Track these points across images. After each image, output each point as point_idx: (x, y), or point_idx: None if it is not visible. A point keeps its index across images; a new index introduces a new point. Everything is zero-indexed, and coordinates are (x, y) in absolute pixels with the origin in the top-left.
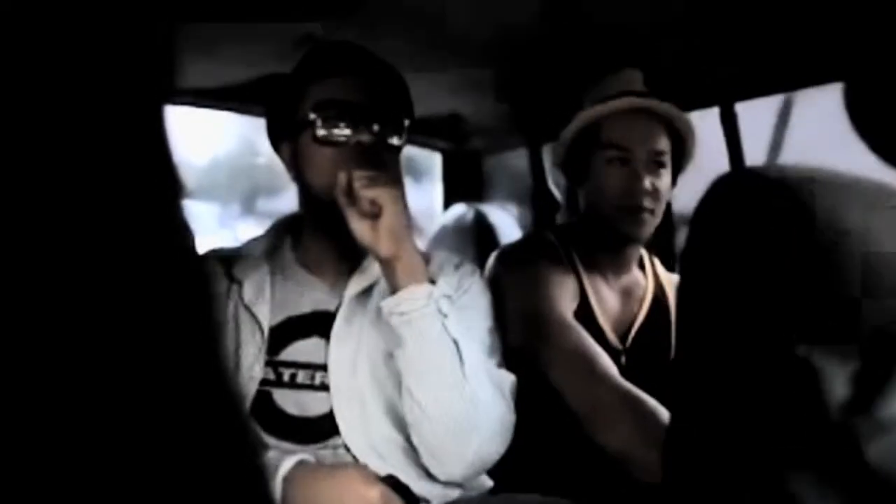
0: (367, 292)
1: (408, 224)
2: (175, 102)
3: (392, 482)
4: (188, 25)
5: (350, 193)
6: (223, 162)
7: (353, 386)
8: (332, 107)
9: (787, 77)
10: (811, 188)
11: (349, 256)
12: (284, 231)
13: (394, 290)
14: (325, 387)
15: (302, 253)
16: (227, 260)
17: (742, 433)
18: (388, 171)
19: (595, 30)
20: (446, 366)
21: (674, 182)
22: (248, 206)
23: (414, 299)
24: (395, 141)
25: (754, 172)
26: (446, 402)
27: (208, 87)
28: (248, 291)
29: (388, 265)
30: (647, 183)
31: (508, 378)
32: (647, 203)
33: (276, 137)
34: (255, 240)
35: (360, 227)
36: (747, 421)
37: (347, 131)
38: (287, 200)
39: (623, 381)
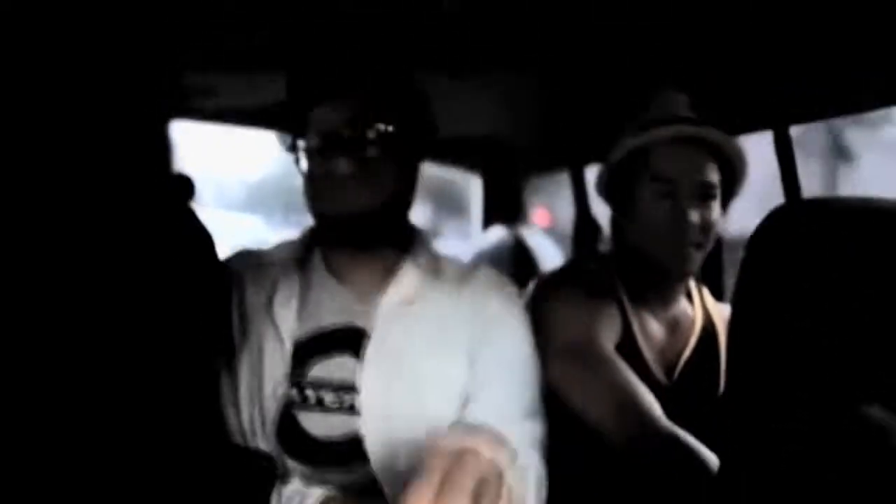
0: (402, 305)
1: None
2: (226, 121)
3: None
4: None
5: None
6: (269, 178)
7: (384, 409)
8: (321, 137)
9: (843, 100)
10: (879, 221)
11: (380, 266)
12: (313, 241)
13: None
14: (353, 409)
15: (331, 262)
16: (259, 264)
17: (796, 486)
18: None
19: (641, 49)
20: None
21: (724, 209)
22: (289, 219)
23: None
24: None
25: (816, 203)
26: None
27: (258, 106)
28: (278, 301)
29: None
30: (695, 217)
31: (540, 432)
32: (695, 238)
33: (293, 154)
34: (287, 245)
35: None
36: (802, 473)
37: (335, 159)
38: None
39: (668, 424)
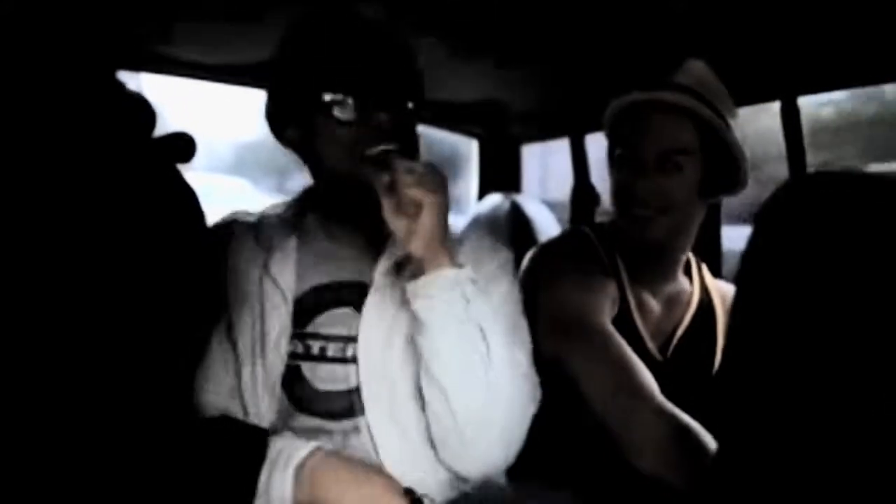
0: (400, 267)
1: (445, 226)
2: (213, 79)
3: (411, 497)
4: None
5: (392, 184)
6: (258, 139)
7: (385, 362)
8: (349, 87)
9: (853, 71)
10: (886, 194)
11: (378, 229)
12: (310, 201)
13: (419, 275)
14: (355, 359)
15: (326, 225)
16: (254, 225)
17: (801, 471)
18: (433, 167)
19: (644, 16)
20: (470, 351)
21: (712, 181)
22: (280, 183)
23: (438, 283)
24: (411, 116)
25: (823, 177)
26: (470, 388)
27: (245, 63)
28: (275, 260)
29: (416, 260)
30: (650, 184)
31: (532, 376)
32: (655, 205)
33: (280, 121)
34: (282, 206)
35: (395, 222)
36: (800, 453)
37: (366, 111)
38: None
39: (664, 402)
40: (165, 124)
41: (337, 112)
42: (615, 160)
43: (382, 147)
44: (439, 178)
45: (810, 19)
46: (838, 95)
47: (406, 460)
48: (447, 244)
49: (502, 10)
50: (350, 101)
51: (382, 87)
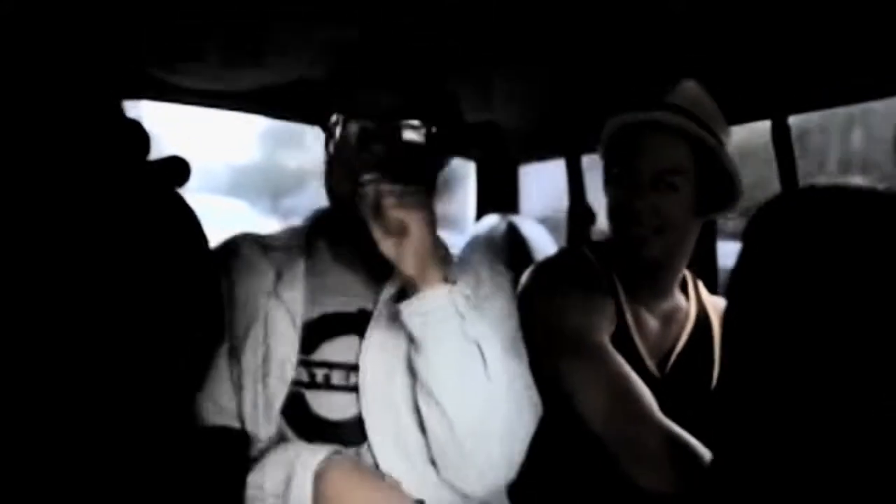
0: (402, 294)
1: (433, 244)
2: (207, 105)
3: None
4: (229, 31)
5: (377, 208)
6: (253, 162)
7: (387, 390)
8: (361, 113)
9: (844, 90)
10: (875, 208)
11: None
12: (320, 226)
13: (413, 294)
14: (358, 388)
15: (335, 249)
16: (263, 247)
17: (790, 479)
18: (417, 185)
19: (639, 38)
20: (467, 368)
21: (707, 200)
22: (274, 205)
23: (430, 300)
24: (421, 140)
25: (812, 192)
26: (467, 403)
27: (243, 90)
28: (284, 284)
29: (409, 280)
30: (644, 203)
31: (532, 390)
32: (651, 224)
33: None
34: (292, 230)
35: (384, 244)
36: (797, 467)
37: (375, 139)
38: (309, 199)
39: (663, 419)
40: (163, 149)
41: (340, 132)
42: (611, 180)
43: (368, 177)
44: (422, 197)
45: (799, 39)
46: None
47: (411, 486)
48: (438, 262)
49: (498, 31)
50: (352, 126)
51: (384, 115)
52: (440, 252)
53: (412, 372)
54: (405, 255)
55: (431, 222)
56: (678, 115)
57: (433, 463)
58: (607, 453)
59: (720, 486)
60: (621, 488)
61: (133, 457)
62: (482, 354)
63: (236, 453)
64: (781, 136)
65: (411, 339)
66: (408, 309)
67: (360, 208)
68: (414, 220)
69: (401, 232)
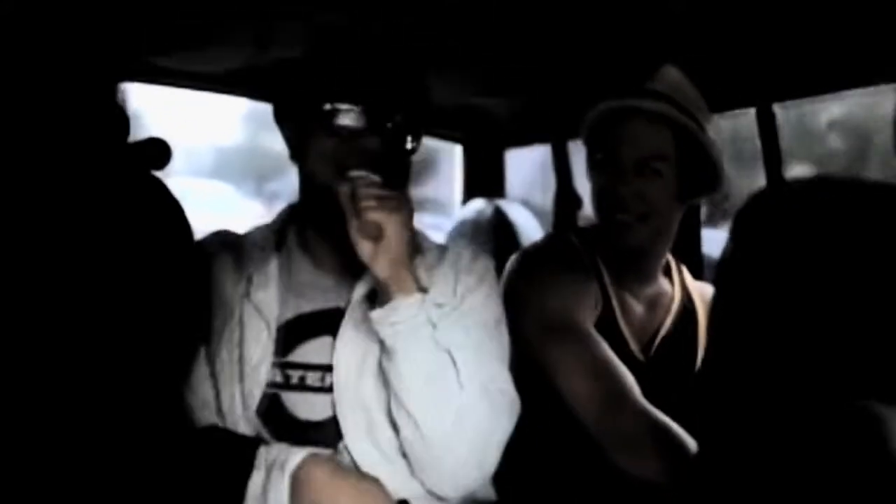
0: (375, 293)
1: (409, 247)
2: (192, 87)
3: None
4: (206, 14)
5: (355, 204)
6: (238, 145)
7: (359, 389)
8: (345, 99)
9: (827, 78)
10: (861, 200)
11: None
12: (290, 222)
13: (385, 301)
14: (333, 388)
15: (307, 246)
16: (235, 246)
17: (776, 470)
18: (396, 189)
19: (626, 24)
20: (438, 377)
21: (690, 185)
22: (258, 187)
23: (403, 309)
24: (407, 144)
25: (798, 184)
26: (438, 413)
27: (222, 71)
28: (256, 285)
29: (382, 283)
30: (628, 189)
31: (509, 390)
32: (636, 210)
33: (283, 115)
34: (264, 228)
35: (360, 244)
36: (779, 455)
37: (358, 125)
38: (293, 182)
39: (645, 404)
40: (148, 131)
41: (330, 121)
42: (595, 166)
43: (355, 173)
44: (401, 201)
45: (786, 27)
46: None
47: (390, 484)
48: (411, 269)
49: (487, 15)
50: (346, 113)
51: (380, 101)
52: (414, 258)
53: (384, 373)
54: (379, 259)
55: (409, 228)
56: (659, 101)
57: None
58: (590, 436)
59: (704, 471)
60: (607, 472)
61: (117, 451)
62: (454, 362)
63: (240, 457)
64: (767, 124)
65: (382, 347)
66: (379, 317)
67: (339, 201)
68: (391, 225)
69: (377, 235)
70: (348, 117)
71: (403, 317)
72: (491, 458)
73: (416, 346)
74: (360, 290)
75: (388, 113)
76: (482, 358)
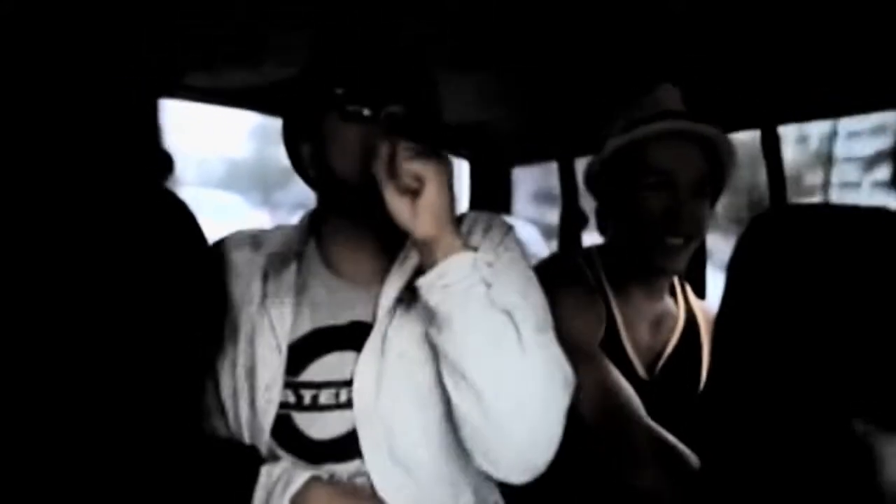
0: (403, 298)
1: (451, 203)
2: (204, 101)
3: None
4: (224, 33)
5: (391, 166)
6: (247, 157)
7: (377, 404)
8: (359, 83)
9: (832, 102)
10: (861, 226)
11: (382, 254)
12: (309, 229)
13: (431, 266)
14: (349, 404)
15: (327, 257)
16: (257, 247)
17: (775, 487)
18: (430, 144)
19: (632, 42)
20: (500, 340)
21: (712, 205)
22: (266, 197)
23: (455, 270)
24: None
25: (800, 209)
26: (503, 381)
27: (235, 87)
28: (272, 298)
29: (425, 246)
30: (689, 210)
31: (564, 359)
32: (688, 233)
33: (295, 138)
34: (283, 232)
35: (397, 205)
36: (782, 472)
37: (376, 106)
38: (296, 194)
39: (650, 424)
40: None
41: (349, 106)
42: (646, 188)
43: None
44: (439, 155)
45: (790, 50)
46: None
47: (409, 499)
48: (455, 226)
49: (493, 31)
50: (365, 97)
51: (393, 78)
52: (459, 229)
53: (409, 385)
54: (421, 215)
55: (450, 178)
56: (698, 123)
57: (438, 477)
58: (598, 454)
59: (706, 488)
60: (613, 487)
61: (133, 455)
62: (514, 324)
63: (247, 470)
64: (771, 146)
65: (432, 319)
66: (428, 283)
67: (373, 168)
68: (431, 173)
69: (416, 188)
70: (361, 98)
71: (456, 277)
72: (556, 432)
73: (474, 308)
74: (385, 300)
75: (397, 94)
76: (539, 320)
